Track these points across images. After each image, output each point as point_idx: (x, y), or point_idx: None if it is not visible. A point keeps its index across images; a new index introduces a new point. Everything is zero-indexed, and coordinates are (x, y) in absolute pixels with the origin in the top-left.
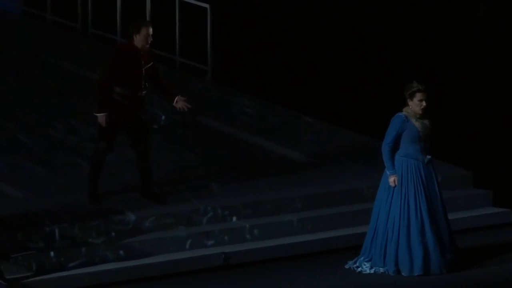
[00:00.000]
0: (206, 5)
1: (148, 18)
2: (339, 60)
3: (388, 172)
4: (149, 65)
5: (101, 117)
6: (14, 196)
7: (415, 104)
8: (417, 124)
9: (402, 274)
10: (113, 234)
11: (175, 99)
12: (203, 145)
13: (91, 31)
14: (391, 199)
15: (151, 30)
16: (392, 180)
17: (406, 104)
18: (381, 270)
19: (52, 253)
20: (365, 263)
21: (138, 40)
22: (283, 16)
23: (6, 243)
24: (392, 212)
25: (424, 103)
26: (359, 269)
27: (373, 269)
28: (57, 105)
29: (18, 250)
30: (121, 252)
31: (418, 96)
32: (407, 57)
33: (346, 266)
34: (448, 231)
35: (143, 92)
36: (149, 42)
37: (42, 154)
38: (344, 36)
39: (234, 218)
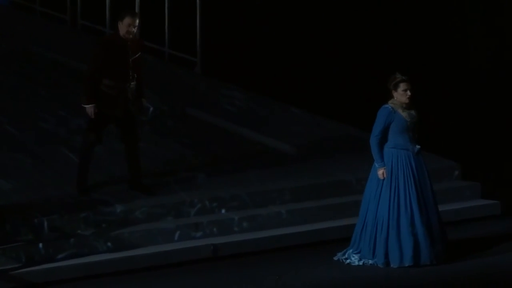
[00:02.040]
0: None
1: (137, 9)
2: (328, 52)
3: (377, 165)
4: (136, 55)
5: (89, 108)
6: (2, 187)
7: (400, 95)
8: (404, 114)
9: (392, 265)
10: (102, 225)
11: (140, 100)
12: (192, 137)
13: (80, 23)
14: (381, 190)
15: (136, 21)
16: (381, 172)
17: (391, 96)
18: (370, 262)
19: (41, 245)
20: (354, 255)
21: (121, 28)
22: (272, 8)
23: None
24: (382, 204)
25: (409, 92)
26: (348, 260)
27: (362, 261)
28: (46, 96)
29: (7, 241)
30: (110, 243)
31: (402, 86)
32: (396, 48)
33: (335, 258)
34: (439, 221)
35: (131, 83)
36: (131, 32)
37: (31, 145)
38: (332, 28)
39: (223, 210)
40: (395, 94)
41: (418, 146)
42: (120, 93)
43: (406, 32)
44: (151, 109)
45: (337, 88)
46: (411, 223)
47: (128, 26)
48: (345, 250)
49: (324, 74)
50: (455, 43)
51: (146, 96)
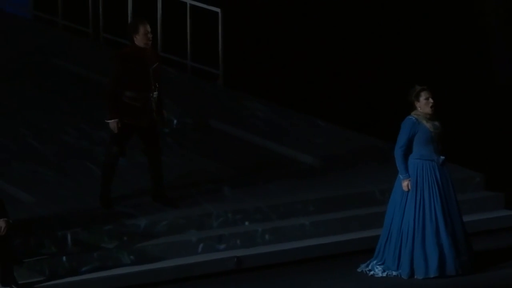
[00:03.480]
0: (218, 9)
1: (159, 22)
2: (351, 64)
3: (401, 177)
4: (154, 65)
5: (112, 123)
6: (26, 201)
7: (423, 104)
8: (428, 125)
9: (417, 276)
10: (125, 238)
11: (161, 111)
12: (215, 149)
13: (103, 36)
14: (406, 201)
15: (148, 27)
16: (405, 184)
17: (414, 108)
18: (394, 273)
19: (64, 258)
20: (377, 266)
21: (139, 39)
22: (294, 20)
23: (18, 248)
24: (407, 215)
25: (431, 100)
26: (372, 272)
27: (386, 273)
28: (68, 110)
29: (31, 255)
30: (133, 256)
31: (424, 94)
32: (421, 60)
33: (359, 270)
34: (463, 232)
35: (154, 93)
36: (150, 38)
37: (54, 159)
38: (357, 40)
39: (246, 222)
40: (418, 104)
41: (442, 157)
42: (145, 104)
43: (430, 43)
44: (175, 121)
45: (360, 99)
46: (436, 234)
47: (145, 34)
48: (368, 262)
49: (347, 85)
50: (479, 54)
51: (166, 107)
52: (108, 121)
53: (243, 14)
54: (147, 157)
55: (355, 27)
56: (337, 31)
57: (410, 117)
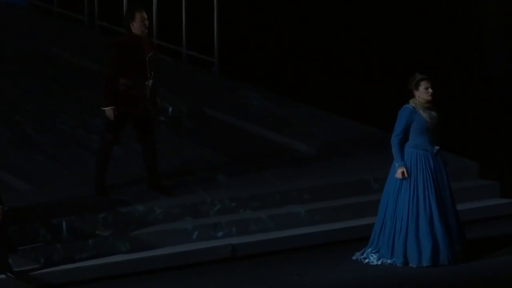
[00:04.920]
0: None
1: (154, 9)
2: (346, 52)
3: (396, 164)
4: (150, 53)
5: (108, 110)
6: (21, 189)
7: (422, 93)
8: (424, 115)
9: (411, 265)
10: (120, 226)
11: (154, 98)
12: (210, 137)
13: (98, 24)
14: (399, 190)
15: (145, 14)
16: (400, 171)
17: (412, 97)
18: (389, 261)
19: (59, 246)
20: (372, 254)
21: (136, 27)
22: (289, 8)
23: (14, 236)
24: (401, 203)
25: (430, 90)
26: (367, 260)
27: (381, 261)
28: (64, 98)
29: (26, 242)
30: (129, 244)
31: (424, 84)
32: (415, 48)
33: (354, 257)
34: (457, 222)
35: (149, 80)
36: (147, 26)
37: (49, 147)
38: (351, 28)
39: (242, 210)
40: (416, 93)
41: (437, 147)
42: (140, 92)
43: (426, 31)
44: (170, 109)
45: (356, 88)
46: (430, 223)
47: (142, 21)
48: (363, 250)
49: (343, 73)
50: (474, 43)
51: (160, 95)
52: (104, 108)
53: (238, 2)
54: (141, 146)
55: (352, 15)
56: (334, 18)
57: (407, 105)
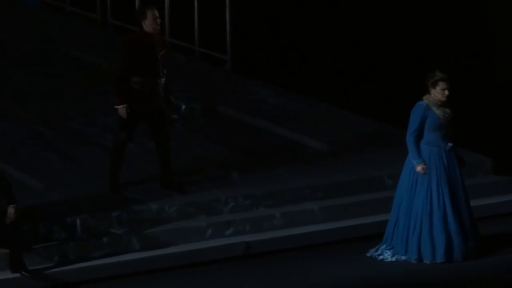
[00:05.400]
0: None
1: (167, 7)
2: (358, 48)
3: (415, 162)
4: (163, 52)
5: (121, 109)
6: (35, 187)
7: (438, 93)
8: (438, 112)
9: (425, 261)
10: (134, 224)
11: (168, 97)
12: (223, 135)
13: (111, 22)
14: (412, 187)
15: (156, 12)
16: (420, 168)
17: (427, 92)
18: (403, 258)
19: (73, 244)
20: (386, 251)
21: (148, 25)
22: (302, 5)
23: (28, 234)
24: (414, 200)
25: (447, 92)
26: (381, 257)
27: (395, 257)
28: (76, 96)
29: (40, 241)
30: (142, 242)
31: (441, 84)
32: (429, 43)
33: (368, 254)
34: (470, 218)
35: (162, 79)
36: (159, 23)
37: (62, 145)
38: (363, 24)
39: (255, 207)
40: (432, 91)
41: (450, 144)
42: (153, 90)
43: (440, 27)
44: (183, 107)
45: (369, 84)
46: (443, 220)
47: (154, 19)
48: (378, 246)
49: (355, 70)
50: (488, 39)
51: (173, 93)
52: (117, 106)
53: None
54: (155, 144)
55: (363, 12)
56: (346, 15)
57: (421, 102)
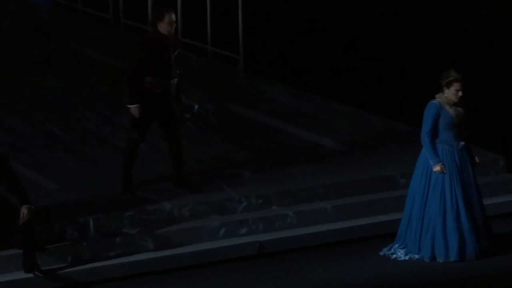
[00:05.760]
0: None
1: (179, 7)
2: (370, 47)
3: (432, 162)
4: (176, 52)
5: (134, 108)
6: (48, 187)
7: (452, 93)
8: (451, 111)
9: (438, 260)
10: (147, 224)
11: (179, 97)
12: (236, 134)
13: (123, 22)
14: (425, 185)
15: (174, 16)
16: (438, 168)
17: (440, 91)
18: (416, 256)
19: (86, 244)
20: (400, 249)
21: (163, 27)
22: (314, 4)
23: (41, 235)
24: (427, 199)
25: (460, 93)
26: (394, 256)
27: (408, 256)
28: (89, 96)
29: (53, 241)
30: (155, 242)
31: (456, 85)
32: (442, 43)
33: (381, 253)
34: (483, 217)
35: (175, 80)
36: (174, 27)
37: (76, 145)
38: (375, 23)
39: (268, 207)
40: (446, 91)
41: (462, 143)
42: (166, 90)
43: (452, 26)
44: (196, 106)
45: (381, 83)
46: (456, 218)
47: (170, 23)
48: (391, 245)
49: (367, 69)
50: (500, 37)
51: (185, 93)
52: (130, 106)
53: None
54: (167, 144)
55: (377, 10)
56: (358, 13)
57: (433, 101)
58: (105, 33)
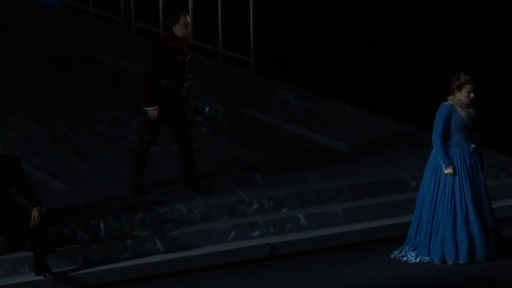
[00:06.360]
0: None
1: (190, 9)
2: (382, 50)
3: (443, 164)
4: (189, 55)
5: (151, 110)
6: (59, 190)
7: (463, 96)
8: (462, 113)
9: (448, 262)
10: (158, 226)
11: (189, 99)
12: (247, 136)
13: (134, 24)
14: (435, 187)
15: (188, 18)
16: (450, 171)
17: (451, 93)
18: (427, 259)
19: (97, 246)
20: (410, 252)
21: (178, 29)
22: (325, 6)
23: (52, 237)
24: (437, 201)
25: (472, 95)
26: (405, 258)
27: (419, 258)
28: (100, 98)
29: (64, 243)
30: (166, 244)
31: (467, 87)
32: (453, 46)
33: (392, 256)
34: (493, 219)
35: (187, 83)
36: (189, 29)
37: (87, 147)
38: (385, 25)
39: (279, 209)
40: (457, 94)
41: (473, 145)
42: (179, 93)
43: (463, 29)
44: (207, 109)
45: (393, 86)
46: (466, 221)
47: (185, 26)
48: (401, 248)
49: (378, 71)
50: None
51: (195, 96)
52: (147, 108)
53: (274, 1)
54: (178, 146)
55: (388, 13)
56: (369, 16)
57: (445, 103)
58: (116, 35)
